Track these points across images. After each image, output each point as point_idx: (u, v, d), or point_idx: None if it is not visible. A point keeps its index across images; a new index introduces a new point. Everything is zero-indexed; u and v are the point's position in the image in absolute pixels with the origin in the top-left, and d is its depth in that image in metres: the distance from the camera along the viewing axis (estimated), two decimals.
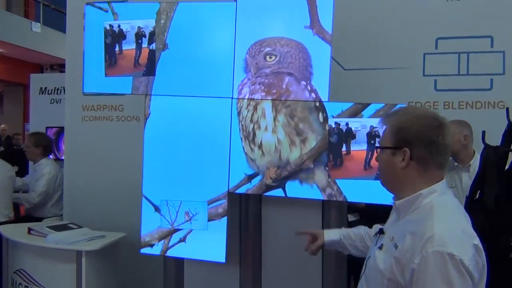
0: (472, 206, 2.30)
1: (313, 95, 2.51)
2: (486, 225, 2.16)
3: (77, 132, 3.88)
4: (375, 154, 2.23)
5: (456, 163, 3.02)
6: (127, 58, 2.70)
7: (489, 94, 3.13)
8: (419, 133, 1.39)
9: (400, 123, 1.43)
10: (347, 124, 2.42)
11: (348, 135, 2.42)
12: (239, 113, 2.57)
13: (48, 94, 5.33)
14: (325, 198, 2.50)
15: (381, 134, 1.53)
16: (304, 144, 2.49)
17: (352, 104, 2.46)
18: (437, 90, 3.21)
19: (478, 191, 2.29)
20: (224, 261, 2.56)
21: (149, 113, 2.72)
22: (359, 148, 2.43)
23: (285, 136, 2.51)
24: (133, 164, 3.00)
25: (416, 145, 1.38)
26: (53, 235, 3.00)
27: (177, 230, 2.65)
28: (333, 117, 2.45)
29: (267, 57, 2.55)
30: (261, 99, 2.53)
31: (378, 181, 1.55)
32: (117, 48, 2.72)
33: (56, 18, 9.88)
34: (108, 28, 2.72)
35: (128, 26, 2.69)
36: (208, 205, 2.61)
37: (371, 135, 2.40)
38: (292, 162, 2.50)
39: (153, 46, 2.66)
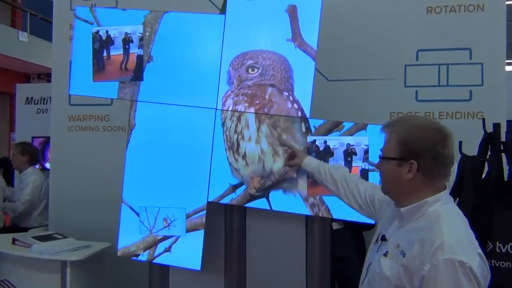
0: None
1: (295, 105, 2.56)
2: None
3: (63, 142, 3.88)
4: (355, 168, 2.38)
5: None
6: (115, 63, 2.74)
7: (469, 104, 3.21)
8: (426, 146, 1.42)
9: (407, 135, 1.45)
10: (325, 142, 2.47)
11: (327, 153, 2.47)
12: (223, 124, 2.62)
13: (34, 104, 5.34)
14: (308, 208, 2.54)
15: (384, 142, 1.54)
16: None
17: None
18: (418, 100, 3.29)
19: (456, 200, 2.35)
20: (199, 268, 2.59)
21: (134, 124, 2.75)
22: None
23: (268, 146, 2.55)
24: (119, 174, 3.00)
25: (423, 157, 1.41)
26: (37, 245, 3.00)
27: (162, 240, 2.67)
28: (314, 127, 2.50)
29: (250, 70, 2.60)
30: (243, 111, 2.57)
31: None
32: (104, 54, 2.75)
33: (43, 28, 9.84)
34: (96, 33, 2.75)
35: (116, 32, 2.73)
36: (192, 215, 2.64)
37: (348, 153, 2.47)
38: (276, 172, 2.55)
39: (141, 51, 2.70)
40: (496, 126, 2.33)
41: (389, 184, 1.53)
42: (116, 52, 2.73)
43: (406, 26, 3.29)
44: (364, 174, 2.43)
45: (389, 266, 1.43)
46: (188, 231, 2.63)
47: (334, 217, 2.53)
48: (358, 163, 2.47)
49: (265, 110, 2.56)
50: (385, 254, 1.46)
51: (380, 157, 1.55)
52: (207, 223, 2.64)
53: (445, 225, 1.36)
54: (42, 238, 3.16)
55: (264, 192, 2.57)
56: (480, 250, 1.36)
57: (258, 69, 2.60)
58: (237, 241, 2.69)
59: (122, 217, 2.76)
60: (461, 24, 3.22)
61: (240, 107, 2.59)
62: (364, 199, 1.85)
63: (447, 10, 3.25)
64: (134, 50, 2.70)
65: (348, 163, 2.45)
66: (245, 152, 2.57)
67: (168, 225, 2.67)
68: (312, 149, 2.49)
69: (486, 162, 2.32)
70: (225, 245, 2.73)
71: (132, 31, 2.70)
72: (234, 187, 2.61)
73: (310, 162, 2.20)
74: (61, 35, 3.90)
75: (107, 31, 2.74)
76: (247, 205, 2.60)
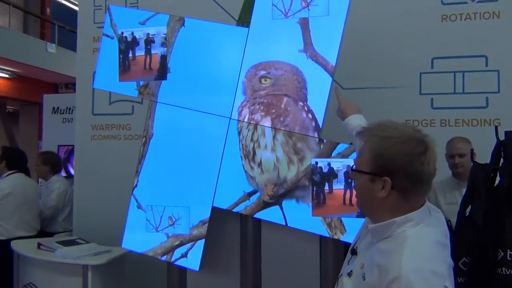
0: (463, 222, 2.36)
1: (309, 115, 2.60)
2: (475, 240, 2.23)
3: (86, 150, 4.02)
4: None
5: (456, 180, 3.04)
6: (140, 63, 2.84)
7: (485, 112, 3.20)
8: (403, 162, 1.24)
9: (382, 148, 1.27)
10: (329, 164, 2.51)
11: (331, 174, 2.50)
12: (239, 133, 2.68)
13: (61, 113, 5.51)
14: (326, 227, 2.55)
15: (358, 152, 1.38)
16: (302, 162, 2.57)
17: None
18: (433, 108, 3.30)
19: (469, 207, 2.35)
20: (197, 269, 2.67)
21: (152, 134, 2.84)
22: (341, 187, 2.51)
23: (283, 155, 2.60)
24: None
25: (399, 175, 1.24)
26: (61, 250, 3.11)
27: (179, 245, 2.74)
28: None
29: (262, 80, 2.66)
30: (257, 123, 2.63)
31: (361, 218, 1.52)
32: (130, 54, 2.86)
33: (70, 39, 10.14)
34: (122, 35, 2.86)
35: (142, 33, 2.84)
36: (207, 221, 2.70)
37: (349, 174, 2.47)
38: (289, 180, 2.59)
39: (164, 51, 2.79)
40: (509, 134, 2.33)
41: (361, 199, 1.37)
42: (141, 52, 2.83)
43: (421, 34, 3.31)
44: None
45: (351, 287, 1.33)
46: (203, 237, 2.69)
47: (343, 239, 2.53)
48: None
49: (281, 119, 2.61)
50: (349, 274, 1.35)
51: (352, 168, 1.37)
52: (219, 229, 2.70)
53: (408, 253, 1.19)
54: (66, 243, 3.27)
55: (277, 200, 2.61)
56: (448, 283, 1.20)
57: (271, 79, 2.66)
58: (251, 246, 2.73)
59: (130, 215, 2.88)
60: (476, 32, 3.23)
61: (257, 116, 2.64)
62: None
63: (462, 18, 3.26)
64: (157, 50, 2.80)
65: (349, 185, 2.48)
66: (261, 160, 2.63)
67: (173, 224, 2.75)
68: (316, 171, 2.52)
69: (498, 171, 2.32)
70: (241, 249, 2.78)
71: (156, 32, 2.81)
72: (249, 195, 2.66)
73: (350, 123, 2.18)
74: (84, 47, 4.06)
75: (132, 32, 2.85)
76: (263, 218, 2.64)
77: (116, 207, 3.80)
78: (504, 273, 2.06)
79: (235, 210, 2.68)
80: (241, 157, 2.68)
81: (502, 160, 2.35)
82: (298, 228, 2.58)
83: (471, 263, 2.20)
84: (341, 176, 2.50)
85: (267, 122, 2.64)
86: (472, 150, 2.51)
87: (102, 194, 3.93)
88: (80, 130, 4.06)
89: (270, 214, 2.63)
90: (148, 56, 2.81)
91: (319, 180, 2.54)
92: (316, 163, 2.54)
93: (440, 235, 1.30)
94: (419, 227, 1.26)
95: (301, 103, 2.62)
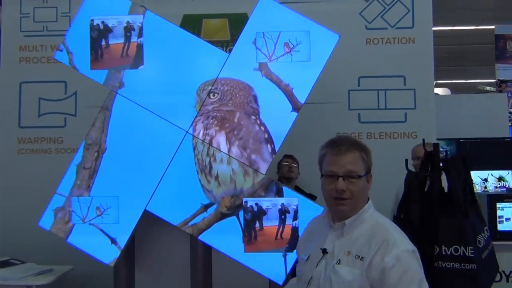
0: (398, 224, 2.68)
1: (262, 128, 2.79)
2: (413, 240, 2.56)
3: (12, 165, 3.80)
4: (286, 227, 2.64)
5: None
6: (114, 51, 2.81)
7: (404, 125, 3.64)
8: (371, 160, 1.67)
9: (366, 152, 1.65)
10: (257, 203, 2.71)
11: (260, 213, 2.70)
12: (194, 148, 2.78)
13: None
14: None
15: (346, 163, 1.63)
16: (257, 174, 2.74)
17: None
18: (360, 122, 3.66)
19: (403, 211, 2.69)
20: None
21: (106, 148, 2.82)
22: (270, 224, 2.72)
23: (239, 167, 2.75)
24: None
25: (371, 170, 1.67)
26: None
27: None
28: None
29: (211, 95, 2.80)
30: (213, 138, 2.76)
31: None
32: (103, 43, 2.82)
33: None
34: (93, 23, 2.81)
35: (115, 21, 2.81)
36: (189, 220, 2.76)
37: (282, 211, 2.71)
38: (245, 191, 2.74)
39: (142, 40, 2.79)
40: (435, 145, 2.72)
41: (359, 199, 1.64)
42: (116, 40, 2.80)
43: (349, 55, 3.66)
44: (295, 231, 2.68)
45: (348, 271, 1.56)
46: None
47: None
48: (289, 221, 2.70)
49: (235, 132, 2.76)
50: (338, 263, 1.59)
51: (355, 176, 1.62)
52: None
53: (389, 226, 1.61)
54: (0, 264, 3.08)
55: (234, 210, 2.75)
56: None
57: (218, 94, 2.80)
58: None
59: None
60: (395, 54, 3.66)
61: (211, 131, 2.77)
62: None
63: (384, 42, 3.67)
64: (134, 39, 2.80)
65: (282, 221, 2.70)
66: (217, 174, 2.75)
67: (101, 214, 2.77)
68: (247, 210, 2.70)
69: (427, 177, 2.69)
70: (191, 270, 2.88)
71: (132, 20, 2.81)
72: (206, 207, 2.77)
73: None
74: (10, 56, 3.85)
75: (103, 21, 2.81)
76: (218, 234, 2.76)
77: None
78: (440, 265, 2.40)
79: (192, 222, 2.77)
80: (197, 172, 2.78)
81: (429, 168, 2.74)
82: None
83: None
84: (270, 213, 2.69)
85: (221, 137, 2.78)
86: (406, 160, 2.86)
87: (30, 212, 3.72)
88: (5, 144, 3.81)
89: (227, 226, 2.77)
90: (127, 44, 2.80)
91: (250, 219, 2.72)
92: (246, 202, 2.72)
93: None
94: (375, 211, 1.68)
95: (253, 117, 2.80)
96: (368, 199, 1.68)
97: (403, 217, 2.70)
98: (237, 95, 2.80)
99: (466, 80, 13.87)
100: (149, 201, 2.76)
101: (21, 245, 3.62)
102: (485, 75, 13.43)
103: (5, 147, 3.81)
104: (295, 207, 2.70)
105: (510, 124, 5.07)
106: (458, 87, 12.91)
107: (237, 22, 3.69)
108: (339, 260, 1.59)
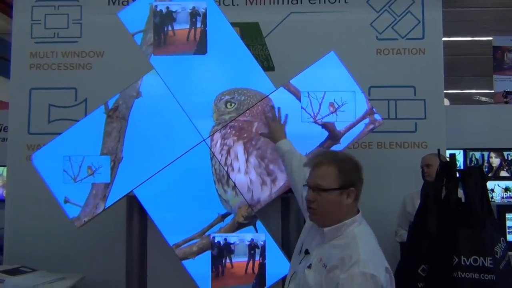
0: (417, 232, 2.71)
1: None
2: (432, 250, 2.58)
3: (20, 172, 3.77)
4: (256, 262, 2.68)
5: None
6: (178, 37, 2.78)
7: (414, 135, 3.67)
8: (359, 175, 1.76)
9: (346, 168, 1.74)
10: (225, 238, 2.72)
11: (227, 250, 2.71)
12: (212, 158, 2.78)
13: None
14: None
15: (317, 176, 1.76)
16: (274, 183, 2.75)
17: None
18: (372, 132, 3.67)
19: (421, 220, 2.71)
20: None
21: (122, 157, 2.81)
22: (237, 259, 2.72)
23: (257, 176, 2.75)
24: None
25: (358, 185, 1.74)
26: (10, 279, 2.91)
27: None
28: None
29: (228, 105, 2.80)
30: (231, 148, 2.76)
31: None
32: (168, 28, 2.79)
33: None
34: (156, 8, 2.78)
35: (179, 7, 2.79)
36: (181, 244, 2.74)
37: (251, 246, 2.72)
38: (262, 201, 2.75)
39: (206, 26, 2.77)
40: (452, 156, 2.75)
41: (329, 211, 1.74)
42: (179, 26, 2.78)
43: (360, 65, 3.67)
44: (262, 267, 2.69)
45: (312, 277, 1.68)
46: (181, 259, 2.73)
47: None
48: (257, 257, 2.71)
49: (253, 142, 2.76)
50: (309, 267, 1.72)
51: (320, 189, 1.73)
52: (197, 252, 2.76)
53: (361, 245, 1.66)
54: (11, 272, 3.05)
55: (251, 220, 2.75)
56: (387, 265, 1.67)
57: (235, 103, 2.81)
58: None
59: None
60: (406, 65, 3.70)
61: (229, 141, 2.77)
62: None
63: (394, 52, 3.71)
64: (199, 25, 2.78)
65: (252, 256, 2.70)
66: (234, 183, 2.75)
67: (93, 173, 2.75)
68: (215, 245, 2.71)
69: (444, 187, 2.71)
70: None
71: (197, 6, 2.79)
72: (223, 216, 2.76)
73: (282, 147, 2.51)
74: (20, 62, 3.84)
75: (168, 7, 2.79)
76: None
77: (54, 233, 3.65)
78: (460, 276, 2.41)
79: (209, 232, 2.76)
80: (214, 182, 2.78)
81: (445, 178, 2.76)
82: None
83: (429, 269, 2.53)
84: (237, 249, 2.70)
85: (239, 146, 2.78)
86: (422, 169, 2.88)
87: (38, 219, 3.71)
88: (14, 150, 3.79)
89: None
90: (193, 29, 2.77)
91: (216, 254, 2.71)
92: (214, 237, 2.72)
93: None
94: (362, 226, 1.75)
95: None
96: (358, 211, 1.77)
97: (420, 226, 2.72)
98: (254, 105, 2.81)
99: (462, 90, 14.02)
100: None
101: (30, 252, 3.58)
102: (481, 86, 13.58)
103: (15, 154, 3.78)
104: (262, 243, 2.70)
105: None
106: (453, 98, 13.04)
107: (249, 31, 3.72)
108: (311, 264, 1.73)
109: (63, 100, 3.79)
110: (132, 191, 2.77)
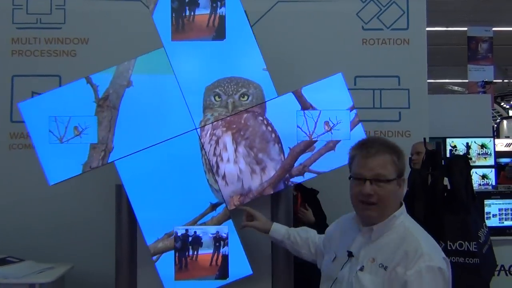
0: None
1: (269, 128, 2.82)
2: None
3: (3, 160, 3.70)
4: (220, 255, 2.64)
5: None
6: (197, 23, 2.72)
7: (398, 124, 3.76)
8: (405, 163, 1.66)
9: (400, 155, 1.63)
10: (195, 232, 2.72)
11: (195, 242, 2.71)
12: (201, 148, 2.78)
13: None
14: None
15: (374, 166, 1.60)
16: (264, 172, 2.78)
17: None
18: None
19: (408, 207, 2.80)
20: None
21: (113, 147, 2.79)
22: (202, 252, 2.72)
23: (246, 166, 2.77)
24: (65, 192, 3.13)
25: (404, 173, 1.64)
26: None
27: None
28: (289, 148, 2.78)
29: (242, 97, 2.79)
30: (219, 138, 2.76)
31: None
32: (186, 13, 2.72)
33: None
34: None
35: None
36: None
37: (216, 239, 2.73)
38: (254, 190, 2.77)
39: (224, 11, 2.71)
40: (437, 144, 2.84)
41: (388, 204, 1.61)
42: (199, 12, 2.71)
43: (345, 54, 3.74)
44: (225, 259, 2.70)
45: (369, 279, 1.55)
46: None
47: None
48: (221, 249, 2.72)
49: (241, 133, 2.78)
50: (361, 269, 1.58)
51: (384, 180, 1.59)
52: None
53: (419, 237, 1.56)
54: None
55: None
56: (444, 255, 1.59)
57: (249, 96, 2.81)
58: None
59: None
60: (391, 55, 3.76)
61: (218, 131, 2.78)
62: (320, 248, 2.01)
63: (379, 42, 3.77)
64: (219, 11, 2.72)
65: (217, 248, 2.71)
66: (224, 173, 2.76)
67: (80, 133, 2.71)
68: (178, 238, 2.70)
69: (430, 175, 2.81)
70: None
71: None
72: (214, 206, 2.78)
73: (278, 229, 2.26)
74: (1, 49, 3.73)
75: None
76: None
77: (39, 222, 3.62)
78: None
79: (201, 221, 2.78)
80: (205, 171, 2.79)
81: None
82: None
83: None
84: (209, 240, 2.70)
85: (227, 137, 2.79)
86: (410, 158, 2.97)
87: (24, 207, 3.66)
88: None
89: None
90: (213, 14, 2.71)
91: (179, 247, 2.71)
92: (176, 231, 2.71)
93: None
94: (407, 217, 1.66)
95: (260, 118, 2.83)
96: (402, 203, 1.66)
97: (407, 213, 2.81)
98: (258, 96, 2.80)
99: (435, 80, 14.29)
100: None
101: (15, 242, 3.54)
102: (454, 75, 13.87)
103: None
104: (225, 235, 2.73)
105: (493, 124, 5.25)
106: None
107: None
108: (363, 266, 1.59)
109: (47, 87, 3.65)
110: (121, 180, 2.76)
